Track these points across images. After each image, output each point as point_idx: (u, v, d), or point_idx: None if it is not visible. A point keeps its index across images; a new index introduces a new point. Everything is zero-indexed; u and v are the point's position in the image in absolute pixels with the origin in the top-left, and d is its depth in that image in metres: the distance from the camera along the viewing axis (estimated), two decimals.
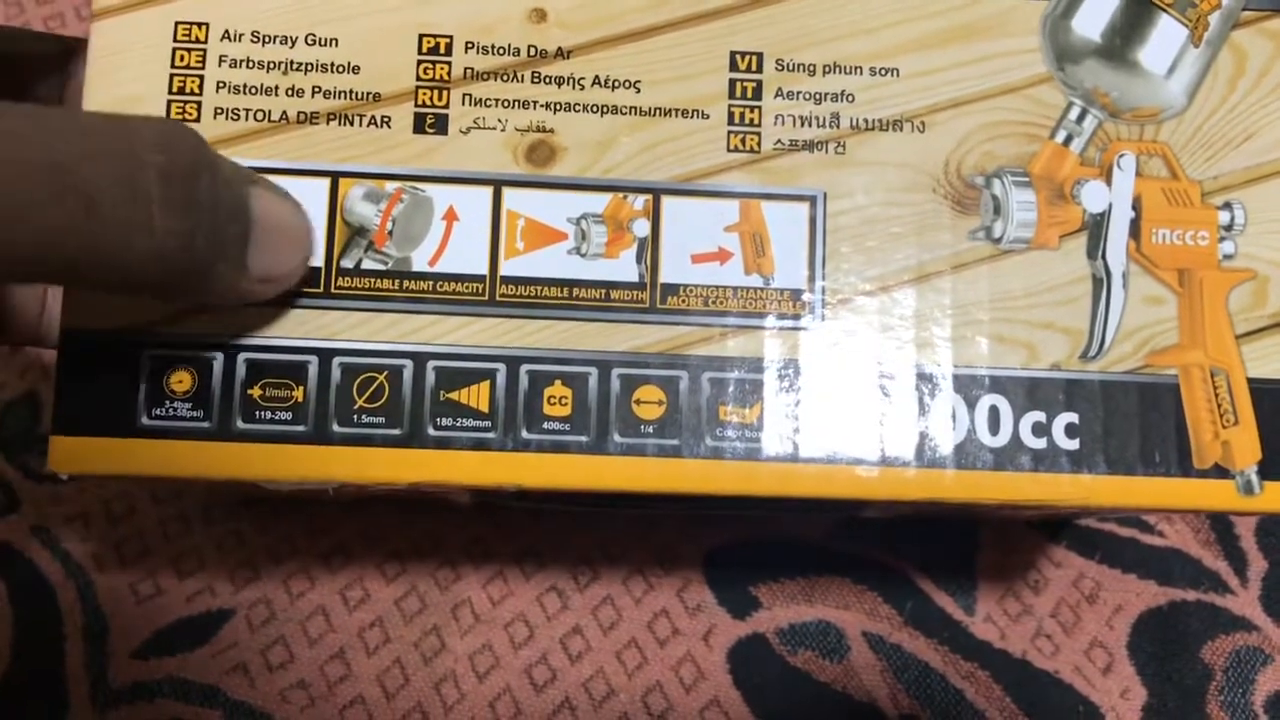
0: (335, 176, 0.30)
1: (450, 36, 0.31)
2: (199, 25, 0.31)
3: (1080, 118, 0.32)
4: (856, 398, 0.31)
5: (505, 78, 0.31)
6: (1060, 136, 0.32)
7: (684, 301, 0.31)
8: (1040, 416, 0.31)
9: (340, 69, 0.31)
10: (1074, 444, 0.31)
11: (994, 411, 0.31)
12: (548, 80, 0.31)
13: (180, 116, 0.30)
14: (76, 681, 0.44)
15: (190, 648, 0.45)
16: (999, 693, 0.46)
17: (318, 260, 0.30)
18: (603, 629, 0.46)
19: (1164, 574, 0.49)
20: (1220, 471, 0.31)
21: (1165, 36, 0.32)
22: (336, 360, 0.30)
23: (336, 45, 0.31)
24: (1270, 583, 0.49)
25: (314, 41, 0.31)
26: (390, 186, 0.30)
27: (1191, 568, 0.49)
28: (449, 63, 0.31)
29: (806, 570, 0.48)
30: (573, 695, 0.45)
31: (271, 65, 0.31)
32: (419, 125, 0.31)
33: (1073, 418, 0.31)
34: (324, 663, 0.45)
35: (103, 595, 0.46)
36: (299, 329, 0.30)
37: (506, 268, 0.30)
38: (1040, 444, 0.31)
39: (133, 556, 0.46)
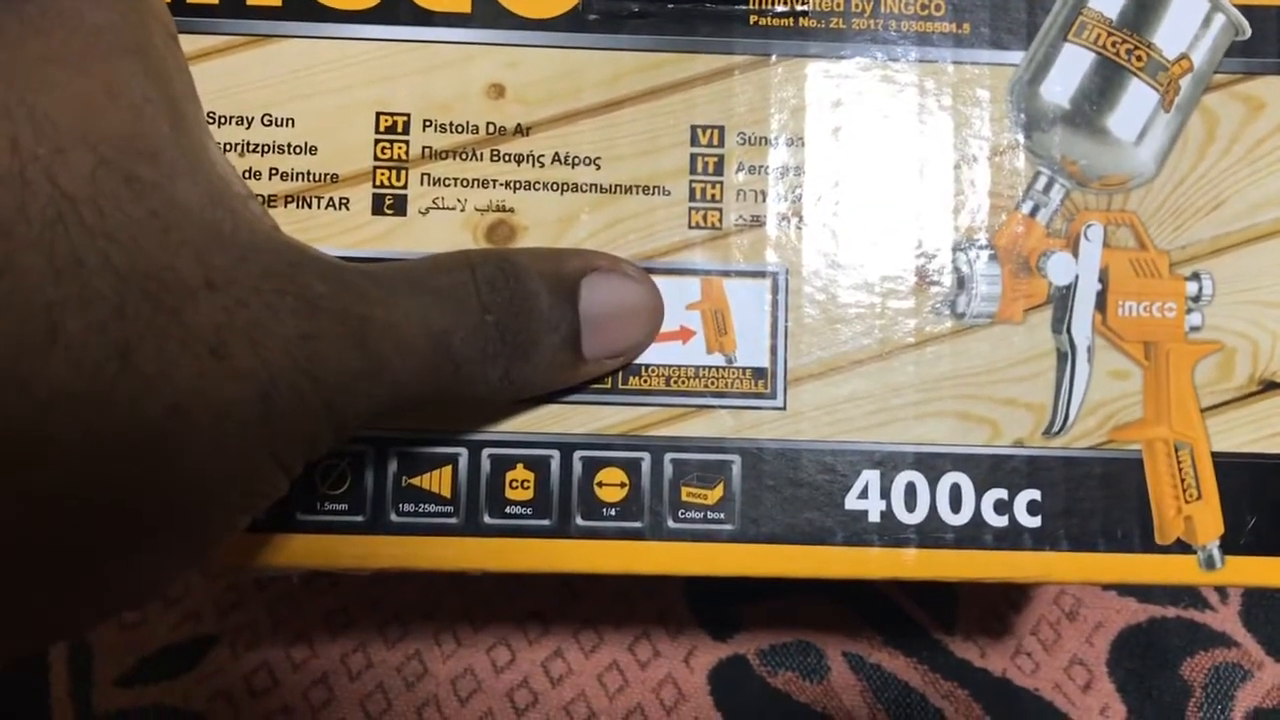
0: None
1: (408, 114, 0.31)
2: None
3: (1047, 187, 0.31)
4: (818, 476, 0.31)
5: (464, 156, 0.31)
6: (1027, 207, 0.31)
7: (646, 382, 0.31)
8: (1002, 494, 0.31)
9: (297, 150, 0.31)
10: (1036, 521, 0.31)
11: (956, 489, 0.31)
12: (507, 158, 0.31)
13: None
14: (61, 710, 0.45)
15: (175, 674, 0.46)
16: (979, 711, 0.47)
17: None
18: (584, 652, 0.47)
19: (1144, 591, 0.49)
20: (1182, 546, 0.31)
21: (1135, 102, 0.31)
22: None
23: (293, 125, 0.31)
24: (1249, 599, 0.49)
25: (270, 122, 0.31)
26: None
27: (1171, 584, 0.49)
28: (406, 141, 0.31)
29: (787, 591, 0.48)
30: (554, 718, 0.46)
31: (228, 147, 0.31)
32: (378, 206, 0.31)
33: (1035, 495, 0.31)
34: (307, 688, 0.46)
35: None
36: None
37: None
38: (1002, 522, 0.31)
39: None
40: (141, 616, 0.47)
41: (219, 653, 0.46)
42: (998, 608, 0.48)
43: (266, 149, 0.31)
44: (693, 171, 0.31)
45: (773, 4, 0.31)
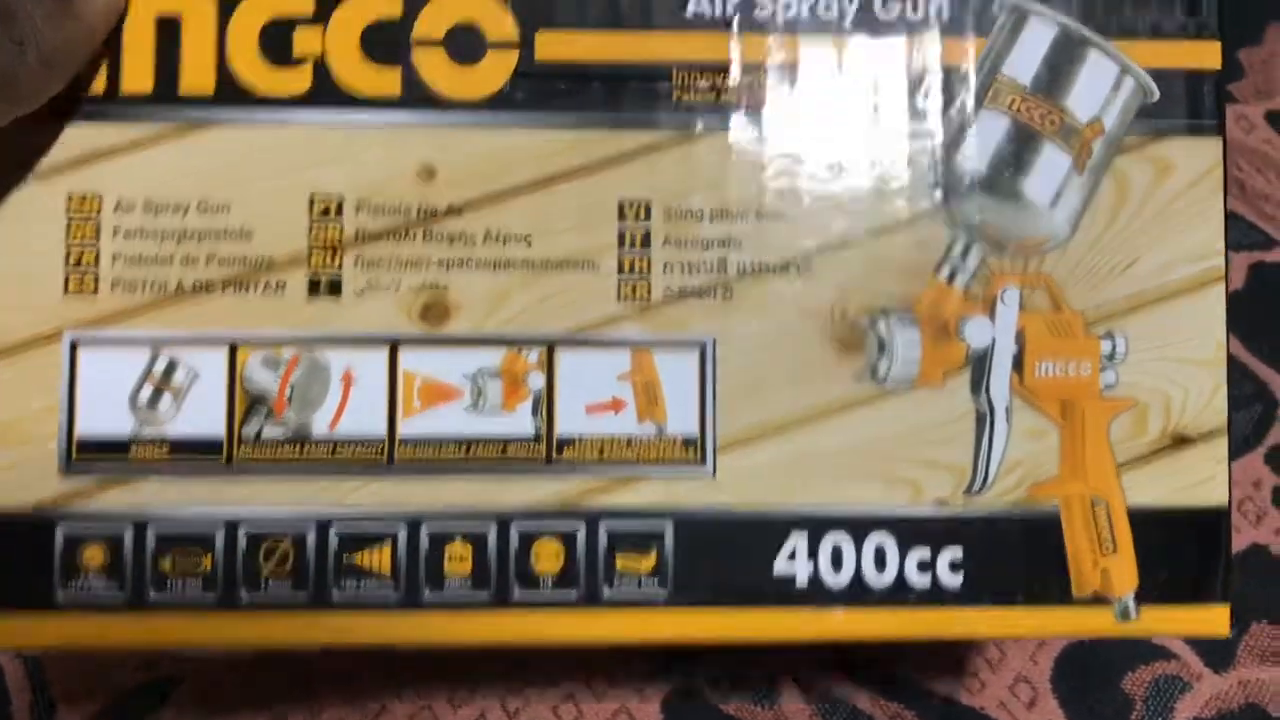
0: (233, 345, 0.31)
1: (341, 197, 0.32)
2: (91, 197, 0.31)
3: (965, 252, 0.32)
4: (748, 541, 0.32)
5: (397, 237, 0.32)
6: (944, 273, 0.32)
7: (579, 453, 0.32)
8: (925, 554, 0.32)
9: (233, 235, 0.31)
10: (958, 578, 0.32)
11: (880, 550, 0.32)
12: (439, 238, 0.32)
13: (79, 289, 0.31)
14: None
15: (138, 718, 0.47)
16: None
17: (219, 428, 0.31)
18: (540, 685, 0.48)
19: None
20: (1099, 599, 0.32)
21: (1049, 165, 0.32)
22: (242, 529, 0.31)
23: (229, 211, 0.31)
24: None
25: (206, 209, 0.31)
26: (287, 352, 0.31)
27: None
28: (340, 224, 0.32)
29: None
30: None
31: (165, 235, 0.31)
32: (313, 289, 0.31)
33: (957, 553, 0.32)
34: None
35: (51, 673, 0.47)
36: (205, 500, 0.31)
37: (405, 428, 0.31)
38: (925, 580, 0.32)
39: None
40: (105, 662, 0.47)
41: (181, 694, 0.47)
42: None
43: (203, 236, 0.31)
44: (621, 245, 0.32)
45: (695, 79, 0.32)
